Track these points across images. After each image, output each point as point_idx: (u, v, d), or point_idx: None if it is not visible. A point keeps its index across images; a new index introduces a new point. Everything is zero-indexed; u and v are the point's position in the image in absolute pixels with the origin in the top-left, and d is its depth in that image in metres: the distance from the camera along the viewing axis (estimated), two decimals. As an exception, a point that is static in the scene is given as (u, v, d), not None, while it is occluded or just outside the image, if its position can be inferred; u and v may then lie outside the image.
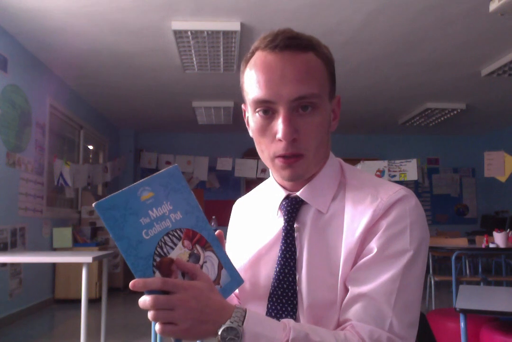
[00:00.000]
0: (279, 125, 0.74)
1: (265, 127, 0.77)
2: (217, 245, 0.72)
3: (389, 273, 0.72)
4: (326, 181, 0.83)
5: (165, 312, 0.63)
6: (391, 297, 0.71)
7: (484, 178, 5.77)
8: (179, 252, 0.67)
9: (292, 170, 0.77)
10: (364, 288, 0.72)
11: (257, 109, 0.77)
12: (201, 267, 0.69)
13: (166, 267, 0.66)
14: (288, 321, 0.68)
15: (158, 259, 0.65)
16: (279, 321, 0.69)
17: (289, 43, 0.75)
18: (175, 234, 0.67)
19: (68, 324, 4.12)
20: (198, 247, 0.70)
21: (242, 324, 0.64)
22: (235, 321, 0.64)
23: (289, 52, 0.75)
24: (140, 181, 0.66)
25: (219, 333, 0.64)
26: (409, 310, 0.72)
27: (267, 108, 0.76)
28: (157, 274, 0.65)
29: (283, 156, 0.76)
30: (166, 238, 0.66)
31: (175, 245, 0.67)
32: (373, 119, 7.37)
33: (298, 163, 0.77)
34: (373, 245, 0.74)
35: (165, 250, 0.66)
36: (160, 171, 0.69)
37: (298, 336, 0.66)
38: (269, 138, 0.77)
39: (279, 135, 0.74)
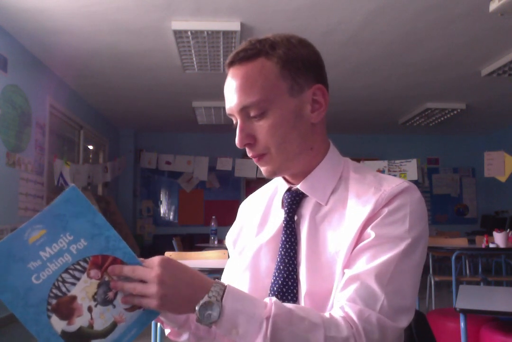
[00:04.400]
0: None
1: None
2: (137, 263, 0.66)
3: (384, 257, 0.73)
4: (325, 174, 0.86)
5: (140, 284, 0.63)
6: (383, 280, 0.72)
7: (484, 178, 5.76)
8: (84, 285, 0.63)
9: (263, 168, 0.85)
10: (358, 270, 0.73)
11: (234, 122, 0.86)
12: (116, 293, 0.65)
13: (65, 307, 0.61)
14: (270, 299, 0.68)
15: (54, 301, 0.61)
16: (267, 297, 0.70)
17: (234, 58, 0.83)
18: (77, 267, 0.63)
19: (68, 324, 4.11)
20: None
21: (221, 299, 0.64)
22: (213, 295, 0.64)
23: (235, 67, 0.83)
24: (31, 219, 0.62)
25: (197, 308, 0.63)
26: (401, 296, 0.72)
27: (235, 119, 0.85)
28: (54, 317, 0.61)
29: (251, 157, 0.85)
30: (64, 275, 0.62)
31: (78, 279, 0.62)
32: (373, 119, 7.37)
33: (263, 161, 0.84)
34: (371, 230, 0.76)
35: (63, 289, 0.62)
36: (56, 199, 0.64)
37: (281, 312, 0.66)
38: None
39: (235, 142, 0.83)
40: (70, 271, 0.62)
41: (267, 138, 0.81)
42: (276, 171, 0.85)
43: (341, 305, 0.71)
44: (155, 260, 0.65)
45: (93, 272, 0.63)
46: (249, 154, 0.84)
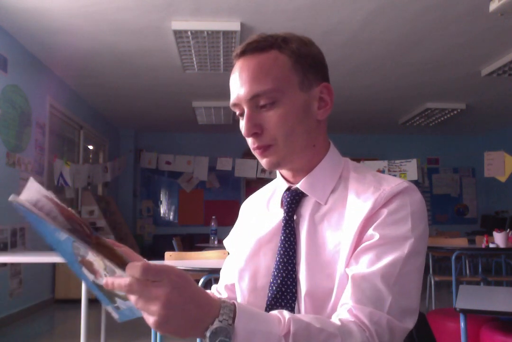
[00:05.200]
0: (242, 123, 0.82)
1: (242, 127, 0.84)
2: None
3: (389, 258, 0.73)
4: (325, 173, 0.86)
5: (143, 300, 0.55)
6: (390, 281, 0.71)
7: (484, 178, 5.76)
8: (94, 258, 0.60)
9: (266, 159, 0.84)
10: (364, 271, 0.73)
11: (236, 113, 0.85)
12: None
13: (88, 266, 0.62)
14: (281, 313, 0.64)
15: (79, 258, 0.62)
16: (276, 310, 0.66)
17: (245, 48, 0.82)
18: (81, 244, 0.59)
19: (68, 324, 4.12)
20: (107, 262, 0.60)
21: (233, 321, 0.58)
22: (224, 319, 0.58)
23: (245, 57, 0.83)
24: None
25: (208, 335, 0.57)
26: (407, 296, 0.72)
27: (239, 110, 0.84)
28: (84, 268, 0.63)
29: (255, 149, 0.83)
30: (75, 244, 0.60)
31: (86, 252, 0.60)
32: (373, 119, 7.37)
33: (268, 152, 0.82)
34: (374, 231, 0.75)
35: (81, 252, 0.61)
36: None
37: (299, 327, 0.63)
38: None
39: (242, 131, 0.82)
40: (76, 244, 0.60)
41: (276, 129, 0.80)
42: (280, 162, 0.83)
43: (349, 307, 0.70)
44: (168, 273, 0.56)
45: (94, 253, 0.61)
46: (254, 145, 0.83)
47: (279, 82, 0.80)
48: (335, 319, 0.69)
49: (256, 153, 0.84)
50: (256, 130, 0.81)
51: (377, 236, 0.75)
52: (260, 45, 0.82)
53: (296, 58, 0.82)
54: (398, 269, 0.72)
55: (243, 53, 0.83)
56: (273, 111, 0.80)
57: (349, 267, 0.75)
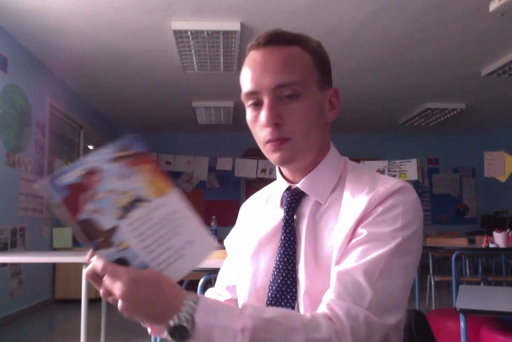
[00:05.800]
0: (262, 112, 0.80)
1: (256, 117, 0.82)
2: None
3: (374, 254, 0.72)
4: (325, 173, 0.86)
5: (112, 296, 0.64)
6: (373, 277, 0.71)
7: (484, 178, 5.76)
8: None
9: (280, 153, 0.81)
10: (347, 266, 0.73)
11: (248, 103, 0.83)
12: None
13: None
14: (245, 307, 0.66)
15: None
16: (245, 304, 0.68)
17: (271, 38, 0.81)
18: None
19: (68, 324, 4.12)
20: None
21: (193, 316, 0.62)
22: (183, 316, 0.62)
23: (271, 47, 0.81)
24: None
25: (167, 332, 0.62)
26: (390, 293, 0.71)
27: (255, 99, 0.81)
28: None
29: (271, 141, 0.80)
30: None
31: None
32: (373, 119, 7.37)
33: (285, 146, 0.80)
34: (363, 229, 0.76)
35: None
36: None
37: (258, 321, 0.64)
38: (259, 126, 0.82)
39: (262, 120, 0.79)
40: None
41: (297, 122, 0.80)
42: (295, 157, 0.82)
43: (328, 301, 0.71)
44: (122, 276, 0.63)
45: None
46: (272, 136, 0.80)
47: (304, 75, 0.80)
48: (305, 314, 0.69)
49: (269, 146, 0.81)
50: (278, 120, 0.79)
51: (365, 233, 0.75)
52: (285, 38, 0.82)
53: (317, 58, 0.83)
54: (381, 265, 0.71)
55: (268, 43, 0.81)
56: (297, 104, 0.79)
57: (335, 263, 0.76)
